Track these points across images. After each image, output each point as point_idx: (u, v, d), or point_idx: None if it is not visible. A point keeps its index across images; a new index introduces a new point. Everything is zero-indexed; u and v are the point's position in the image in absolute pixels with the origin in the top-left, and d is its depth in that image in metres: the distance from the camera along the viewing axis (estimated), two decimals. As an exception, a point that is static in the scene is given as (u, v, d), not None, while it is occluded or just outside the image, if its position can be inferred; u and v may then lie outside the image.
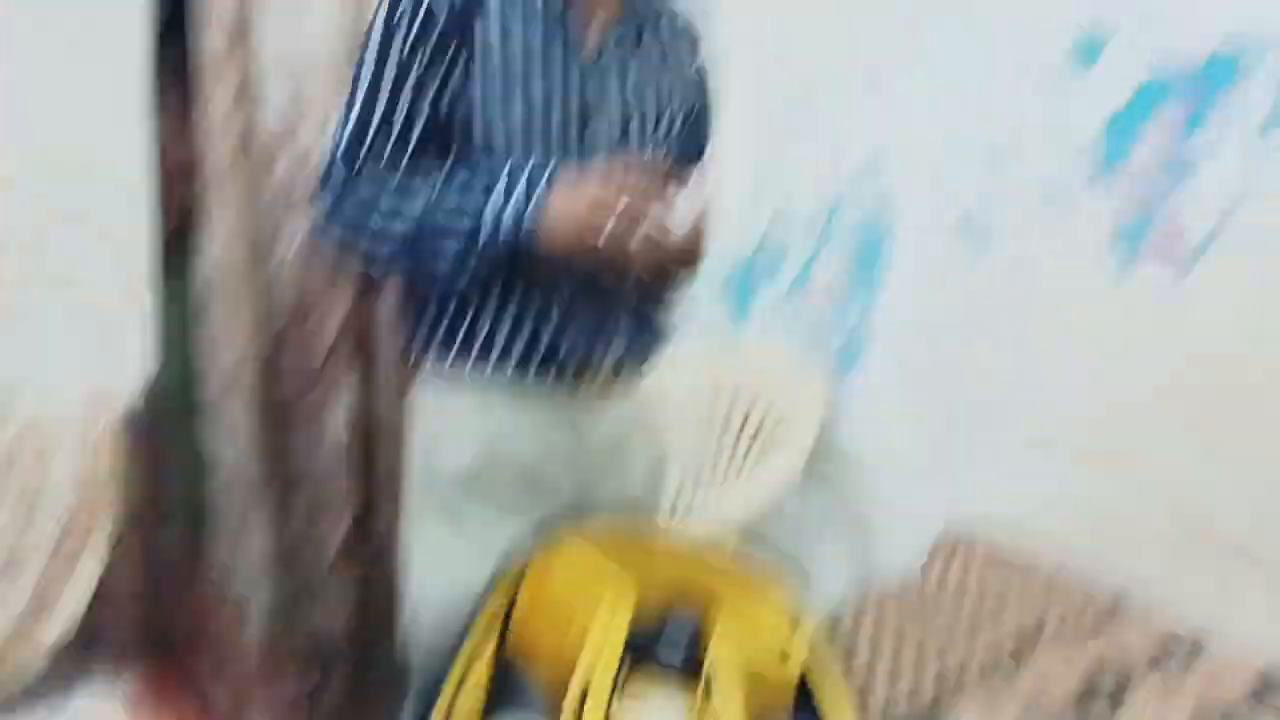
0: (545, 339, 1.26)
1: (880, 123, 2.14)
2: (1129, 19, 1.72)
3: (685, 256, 1.22)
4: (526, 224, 1.15)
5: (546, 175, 1.17)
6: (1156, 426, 1.67)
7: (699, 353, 2.40)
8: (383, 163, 1.20)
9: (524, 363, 1.26)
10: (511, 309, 1.26)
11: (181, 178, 1.87)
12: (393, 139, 1.20)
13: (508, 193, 1.16)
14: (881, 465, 2.14)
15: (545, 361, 1.27)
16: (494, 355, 1.26)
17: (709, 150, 1.42)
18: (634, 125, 1.26)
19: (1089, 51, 1.77)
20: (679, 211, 1.16)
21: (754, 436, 2.25)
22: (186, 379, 1.84)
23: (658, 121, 1.29)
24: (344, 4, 1.80)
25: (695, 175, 1.22)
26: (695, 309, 2.46)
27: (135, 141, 1.58)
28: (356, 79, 1.21)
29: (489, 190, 1.17)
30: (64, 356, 1.52)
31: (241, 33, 1.78)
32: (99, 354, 1.56)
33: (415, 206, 1.18)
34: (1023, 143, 1.88)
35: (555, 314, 1.26)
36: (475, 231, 1.16)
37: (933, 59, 2.02)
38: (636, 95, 1.28)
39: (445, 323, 1.27)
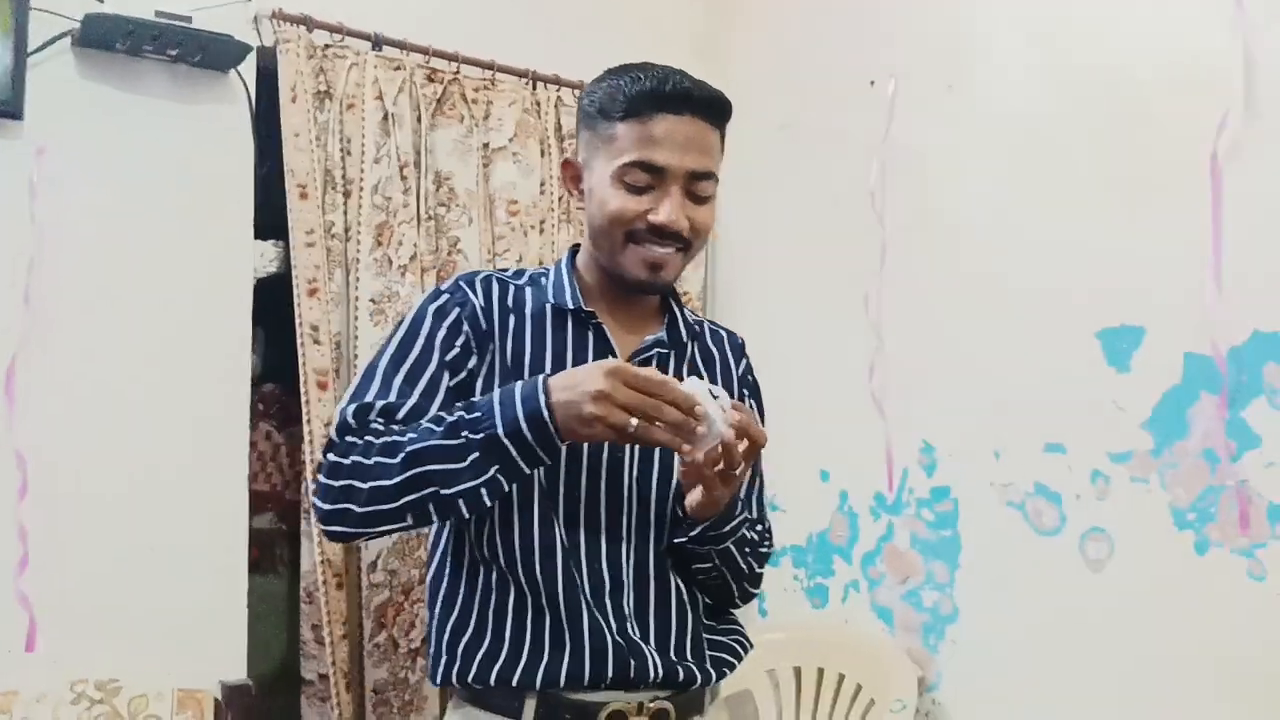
0: (585, 662, 1.18)
1: (933, 418, 2.21)
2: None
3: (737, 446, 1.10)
4: (532, 405, 1.06)
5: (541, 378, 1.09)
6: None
7: (776, 638, 2.34)
8: (373, 428, 1.15)
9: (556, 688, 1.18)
10: (538, 626, 1.18)
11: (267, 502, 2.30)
12: (397, 417, 1.15)
13: (504, 396, 1.09)
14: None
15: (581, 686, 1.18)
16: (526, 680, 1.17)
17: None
18: None
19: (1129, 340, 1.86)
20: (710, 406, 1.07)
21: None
22: (287, 661, 2.21)
23: None
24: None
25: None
26: (768, 590, 2.52)
27: (234, 468, 2.08)
28: (373, 364, 1.21)
29: (486, 405, 1.10)
30: (165, 650, 1.95)
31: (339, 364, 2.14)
32: (198, 647, 1.99)
33: (417, 435, 1.10)
34: (1075, 427, 1.93)
35: (592, 630, 1.18)
36: (488, 428, 1.06)
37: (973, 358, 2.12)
38: None
39: (463, 640, 1.21)
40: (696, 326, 1.38)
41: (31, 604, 1.87)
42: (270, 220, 2.17)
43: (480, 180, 2.37)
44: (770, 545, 1.38)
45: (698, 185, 1.21)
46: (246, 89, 2.13)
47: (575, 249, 1.35)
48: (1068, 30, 1.98)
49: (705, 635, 1.28)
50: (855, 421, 2.33)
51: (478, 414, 1.08)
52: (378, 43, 2.24)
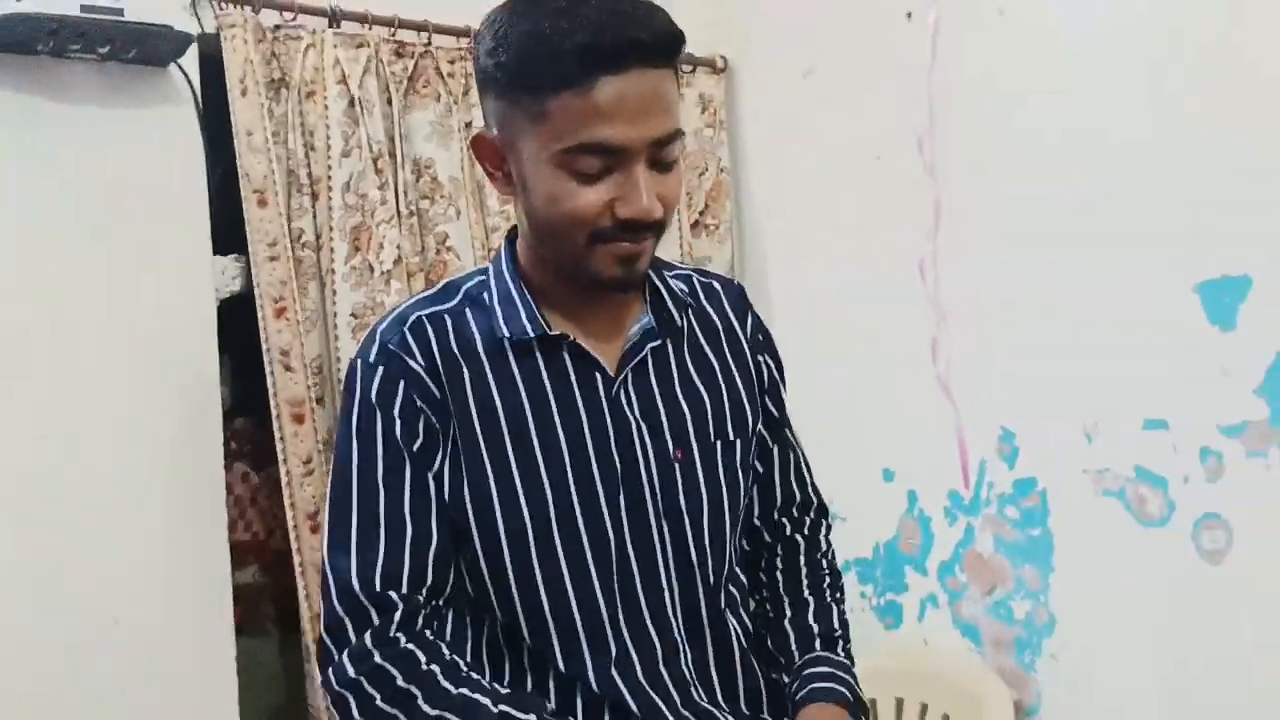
0: None
1: (1011, 400, 2.05)
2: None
3: None
4: None
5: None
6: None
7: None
8: (400, 620, 1.00)
9: None
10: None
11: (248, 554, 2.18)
12: (405, 583, 1.00)
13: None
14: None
15: None
16: None
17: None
18: (689, 429, 1.09)
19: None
20: None
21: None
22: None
23: (719, 417, 1.12)
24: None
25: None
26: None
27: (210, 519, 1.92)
28: (342, 497, 1.04)
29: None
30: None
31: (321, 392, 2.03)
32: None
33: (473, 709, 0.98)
34: (1177, 398, 1.79)
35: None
36: None
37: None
38: (687, 392, 1.11)
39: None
40: (684, 292, 1.16)
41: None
42: (229, 232, 1.99)
43: (466, 166, 2.18)
44: (832, 553, 1.26)
45: (663, 152, 0.99)
46: (190, 84, 1.94)
47: (512, 238, 1.12)
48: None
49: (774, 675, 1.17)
50: (920, 410, 2.17)
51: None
52: (335, 18, 2.04)
